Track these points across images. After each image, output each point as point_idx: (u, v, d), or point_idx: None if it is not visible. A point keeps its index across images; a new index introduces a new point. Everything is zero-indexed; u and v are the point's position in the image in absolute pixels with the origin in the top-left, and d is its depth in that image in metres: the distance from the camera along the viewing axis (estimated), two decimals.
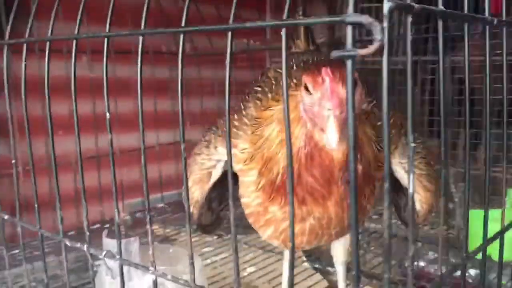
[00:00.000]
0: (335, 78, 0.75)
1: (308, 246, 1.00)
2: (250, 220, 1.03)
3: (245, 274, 1.59)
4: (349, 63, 0.64)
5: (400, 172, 0.97)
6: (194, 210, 1.05)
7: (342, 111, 0.73)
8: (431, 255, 1.73)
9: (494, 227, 1.24)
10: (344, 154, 0.83)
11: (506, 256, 1.43)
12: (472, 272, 1.60)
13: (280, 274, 1.55)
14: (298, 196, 0.89)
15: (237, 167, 0.99)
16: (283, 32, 0.70)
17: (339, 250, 1.16)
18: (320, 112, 0.76)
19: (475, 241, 1.46)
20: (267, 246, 1.78)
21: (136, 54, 0.83)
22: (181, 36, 0.79)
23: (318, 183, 0.86)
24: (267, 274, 1.56)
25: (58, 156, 1.05)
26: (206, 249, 1.75)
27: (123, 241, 1.04)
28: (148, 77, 2.01)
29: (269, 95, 1.02)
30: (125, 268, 1.06)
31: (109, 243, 1.04)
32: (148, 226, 0.93)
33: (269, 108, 0.97)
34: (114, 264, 1.04)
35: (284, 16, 0.70)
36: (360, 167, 0.87)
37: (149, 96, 2.01)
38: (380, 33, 0.61)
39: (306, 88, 0.80)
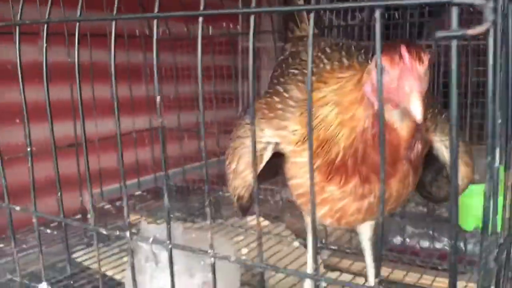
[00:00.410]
0: (413, 56, 0.78)
1: (359, 223, 1.04)
2: (301, 201, 1.04)
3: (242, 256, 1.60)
4: (454, 43, 0.67)
5: (441, 149, 1.02)
6: (246, 193, 1.05)
7: (422, 87, 0.77)
8: (409, 230, 1.83)
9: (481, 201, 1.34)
10: (409, 132, 0.87)
11: (476, 224, 1.56)
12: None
13: (274, 254, 1.58)
14: (362, 175, 0.92)
15: (288, 148, 1.00)
16: (377, 13, 0.71)
17: (367, 227, 1.21)
18: (400, 88, 0.79)
19: (465, 214, 1.58)
20: (253, 227, 1.79)
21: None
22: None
23: (385, 162, 0.88)
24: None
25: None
26: None
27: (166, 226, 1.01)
28: (123, 62, 1.94)
29: (313, 77, 1.03)
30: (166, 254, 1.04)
31: (149, 229, 1.01)
32: (207, 210, 0.92)
33: (317, 90, 0.99)
34: (159, 250, 1.02)
35: None
36: (420, 147, 0.92)
37: (124, 81, 1.94)
38: (492, 14, 0.64)
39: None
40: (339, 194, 0.96)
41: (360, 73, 0.93)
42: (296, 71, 1.08)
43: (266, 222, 1.85)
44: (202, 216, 1.87)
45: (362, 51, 1.10)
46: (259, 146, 1.02)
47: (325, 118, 0.94)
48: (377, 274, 0.72)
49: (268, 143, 1.02)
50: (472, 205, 1.52)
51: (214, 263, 0.90)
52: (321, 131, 0.94)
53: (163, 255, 1.02)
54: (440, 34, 0.68)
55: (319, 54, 1.10)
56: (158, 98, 0.94)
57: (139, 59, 2.03)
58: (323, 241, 1.71)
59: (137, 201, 2.02)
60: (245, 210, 1.11)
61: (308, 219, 1.24)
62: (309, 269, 1.27)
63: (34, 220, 1.14)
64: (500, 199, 1.55)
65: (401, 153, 0.89)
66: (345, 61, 1.04)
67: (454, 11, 0.67)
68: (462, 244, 1.63)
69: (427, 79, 0.81)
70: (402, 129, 0.87)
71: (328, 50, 1.11)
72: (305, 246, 1.68)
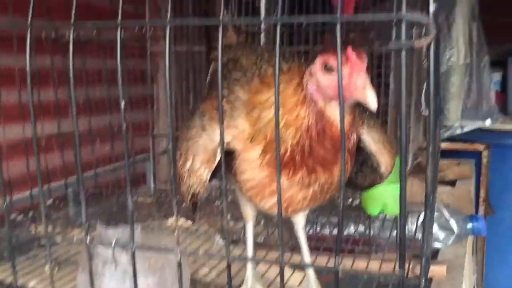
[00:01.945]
0: (357, 55, 0.89)
1: (303, 210, 1.16)
2: (251, 193, 1.12)
3: None
4: (403, 53, 0.80)
5: (368, 141, 1.17)
6: (201, 189, 1.10)
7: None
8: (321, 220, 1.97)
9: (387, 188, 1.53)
10: (348, 125, 1.01)
11: (381, 209, 1.77)
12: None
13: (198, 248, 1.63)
14: (309, 167, 1.03)
15: (239, 145, 1.09)
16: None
17: (300, 217, 1.32)
18: (352, 83, 0.90)
19: (371, 201, 1.77)
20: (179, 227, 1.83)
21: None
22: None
23: (329, 153, 1.01)
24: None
25: None
26: None
27: (125, 228, 1.04)
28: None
29: (256, 79, 1.13)
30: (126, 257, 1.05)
31: (108, 233, 1.03)
32: (174, 204, 0.96)
33: (261, 92, 1.09)
34: (120, 254, 1.03)
35: (338, 14, 0.82)
36: (355, 137, 1.06)
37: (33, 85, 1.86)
38: (433, 30, 0.79)
39: (325, 68, 0.95)
40: (288, 184, 1.06)
41: (298, 77, 1.04)
42: (238, 76, 1.17)
43: (189, 222, 1.89)
44: (124, 221, 1.85)
45: (295, 55, 1.21)
46: (212, 145, 1.10)
47: (271, 119, 1.05)
48: (338, 251, 0.82)
49: None
50: (377, 193, 1.71)
51: (180, 259, 0.94)
52: (268, 131, 1.05)
53: (123, 258, 1.04)
54: (391, 45, 0.81)
55: (260, 58, 1.20)
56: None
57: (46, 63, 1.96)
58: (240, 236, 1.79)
59: (50, 210, 1.94)
60: (196, 208, 1.17)
61: (250, 212, 1.34)
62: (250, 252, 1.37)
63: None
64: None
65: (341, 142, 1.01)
66: (284, 64, 1.14)
67: (403, 27, 0.81)
68: (367, 229, 1.83)
69: None
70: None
71: (267, 54, 1.21)
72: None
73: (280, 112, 1.02)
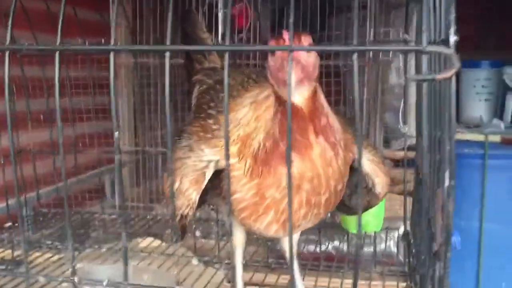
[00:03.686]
0: (298, 38, 0.88)
1: (303, 221, 1.06)
2: (244, 215, 1.05)
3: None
4: (425, 85, 0.78)
5: (363, 161, 1.13)
6: (190, 211, 1.03)
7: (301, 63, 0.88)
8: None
9: None
10: (305, 103, 0.94)
11: (374, 228, 1.76)
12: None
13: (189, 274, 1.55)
14: (283, 155, 0.97)
15: (225, 163, 1.02)
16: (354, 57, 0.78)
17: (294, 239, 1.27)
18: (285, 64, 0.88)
19: (354, 219, 1.75)
20: (155, 250, 1.73)
21: None
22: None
23: (298, 133, 0.95)
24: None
25: None
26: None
27: (116, 265, 0.96)
28: None
29: (241, 95, 1.13)
30: None
31: (96, 270, 0.95)
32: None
33: (241, 104, 1.09)
34: None
35: (355, 42, 0.78)
36: (328, 120, 0.99)
37: None
38: (457, 62, 0.76)
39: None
40: (280, 195, 1.00)
41: None
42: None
43: (158, 242, 1.79)
44: (88, 243, 1.73)
45: None
46: (202, 165, 1.05)
47: (243, 117, 1.04)
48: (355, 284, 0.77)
49: (209, 161, 1.05)
50: None
51: None
52: (241, 130, 1.03)
53: None
54: (413, 77, 0.78)
55: (247, 79, 1.20)
56: None
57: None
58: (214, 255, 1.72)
59: (10, 233, 1.77)
60: (185, 231, 1.10)
61: (240, 237, 1.28)
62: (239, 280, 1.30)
63: None
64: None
65: (307, 122, 0.96)
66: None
67: (424, 58, 0.78)
68: (345, 246, 1.81)
69: (313, 60, 0.91)
70: (299, 101, 0.94)
71: (254, 76, 1.21)
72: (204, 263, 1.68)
73: (252, 108, 1.05)
